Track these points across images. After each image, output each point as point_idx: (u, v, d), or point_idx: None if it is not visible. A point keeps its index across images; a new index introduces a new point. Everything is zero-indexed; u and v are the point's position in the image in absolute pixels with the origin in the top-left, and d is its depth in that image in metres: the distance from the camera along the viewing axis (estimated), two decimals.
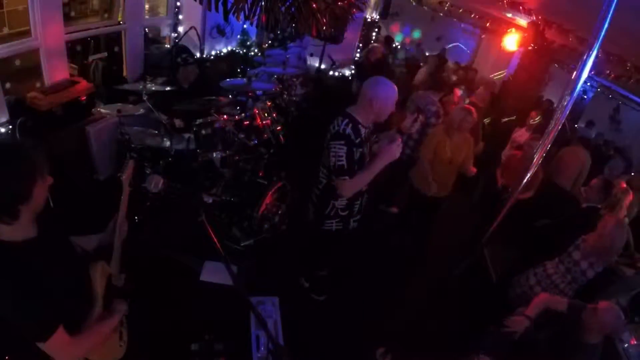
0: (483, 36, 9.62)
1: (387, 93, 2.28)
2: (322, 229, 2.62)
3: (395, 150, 2.25)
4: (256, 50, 6.13)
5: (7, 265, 1.17)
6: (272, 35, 6.12)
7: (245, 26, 6.20)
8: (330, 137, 2.29)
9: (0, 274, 1.16)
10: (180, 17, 5.03)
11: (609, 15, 1.54)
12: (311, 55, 6.67)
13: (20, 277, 1.17)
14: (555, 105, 6.66)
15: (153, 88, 3.23)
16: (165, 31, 5.13)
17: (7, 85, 3.27)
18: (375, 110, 2.30)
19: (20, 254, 1.20)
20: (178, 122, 3.58)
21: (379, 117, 2.36)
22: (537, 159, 2.68)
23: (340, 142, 2.23)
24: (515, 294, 2.92)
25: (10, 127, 3.15)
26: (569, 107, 2.39)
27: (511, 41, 5.73)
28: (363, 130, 2.35)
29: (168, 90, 3.42)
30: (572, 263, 2.72)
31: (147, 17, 4.68)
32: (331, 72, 6.65)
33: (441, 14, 8.23)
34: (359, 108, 2.35)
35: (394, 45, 9.30)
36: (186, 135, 3.39)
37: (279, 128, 3.58)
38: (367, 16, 7.85)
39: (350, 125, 2.28)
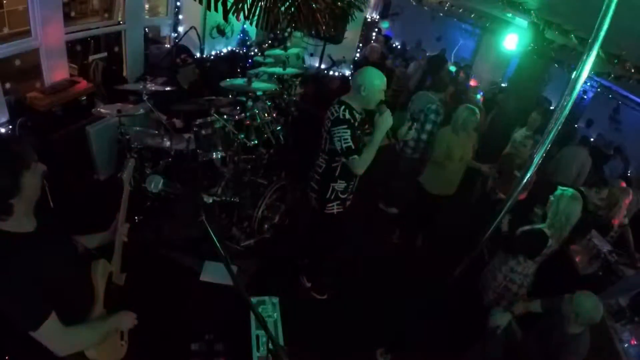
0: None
1: (373, 79, 2.47)
2: (325, 213, 2.76)
3: (388, 119, 2.41)
4: (256, 50, 6.13)
5: (2, 254, 1.17)
6: (272, 35, 6.12)
7: (245, 26, 6.20)
8: (332, 123, 2.46)
9: None
10: (180, 17, 5.03)
11: (609, 15, 1.54)
12: (311, 55, 6.67)
13: (11, 264, 1.17)
14: (555, 106, 6.67)
15: (153, 88, 3.23)
16: (165, 31, 5.12)
17: (7, 85, 3.27)
18: (364, 95, 2.47)
19: (15, 243, 1.20)
20: (178, 123, 3.58)
21: (368, 103, 2.52)
22: (537, 159, 2.67)
23: (343, 127, 2.41)
24: (489, 298, 2.96)
25: (10, 127, 3.15)
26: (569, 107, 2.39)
27: (511, 41, 5.73)
28: (357, 115, 2.54)
29: (168, 90, 3.42)
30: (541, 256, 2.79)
31: (147, 17, 4.68)
32: (331, 72, 6.65)
33: (441, 14, 8.24)
34: (351, 96, 2.55)
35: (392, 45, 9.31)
36: (186, 135, 3.39)
37: (278, 128, 3.58)
38: (367, 16, 7.85)
39: (347, 110, 2.47)
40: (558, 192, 2.72)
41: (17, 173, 1.18)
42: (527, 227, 2.80)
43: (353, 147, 2.40)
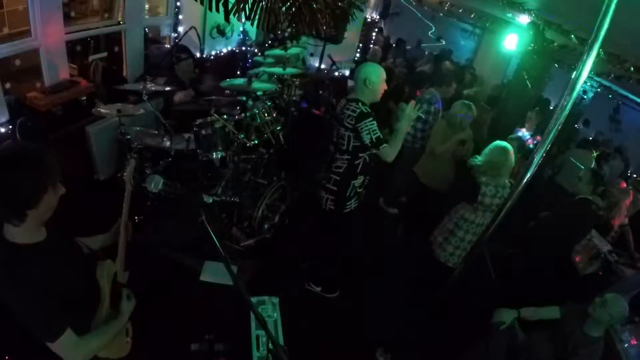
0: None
1: (376, 72, 2.59)
2: (344, 212, 2.81)
3: (411, 111, 2.56)
4: (256, 50, 6.12)
5: (18, 267, 1.18)
6: (272, 35, 6.11)
7: (244, 26, 6.20)
8: (356, 120, 2.52)
9: (12, 275, 1.17)
10: (180, 17, 5.03)
11: (609, 15, 1.54)
12: (311, 55, 6.66)
13: (30, 278, 1.18)
14: (555, 105, 6.66)
15: (153, 88, 3.23)
16: (165, 31, 5.12)
17: (7, 85, 3.26)
18: (370, 88, 2.59)
19: (31, 256, 1.21)
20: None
21: (375, 96, 2.63)
22: (537, 158, 2.67)
23: (369, 120, 2.51)
24: (448, 252, 3.12)
25: (10, 127, 3.15)
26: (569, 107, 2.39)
27: (511, 41, 5.73)
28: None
29: (168, 90, 3.42)
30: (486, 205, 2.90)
31: (147, 17, 4.67)
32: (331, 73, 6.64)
33: (441, 14, 8.23)
34: (357, 91, 2.63)
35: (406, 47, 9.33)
36: (186, 135, 3.39)
37: (278, 128, 3.57)
38: (367, 16, 7.85)
39: (364, 105, 2.55)
40: (492, 144, 2.93)
41: (43, 189, 1.18)
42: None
43: (381, 136, 2.52)
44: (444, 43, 9.68)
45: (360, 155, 2.64)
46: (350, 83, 6.12)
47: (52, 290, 1.20)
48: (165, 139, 3.33)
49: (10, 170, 1.13)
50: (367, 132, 2.50)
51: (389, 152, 2.55)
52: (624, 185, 3.92)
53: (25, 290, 1.16)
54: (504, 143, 2.92)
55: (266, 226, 3.37)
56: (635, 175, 6.23)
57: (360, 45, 7.57)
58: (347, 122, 2.56)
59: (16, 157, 1.16)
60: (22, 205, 1.16)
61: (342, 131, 2.61)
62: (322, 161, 2.90)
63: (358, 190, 2.79)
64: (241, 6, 2.56)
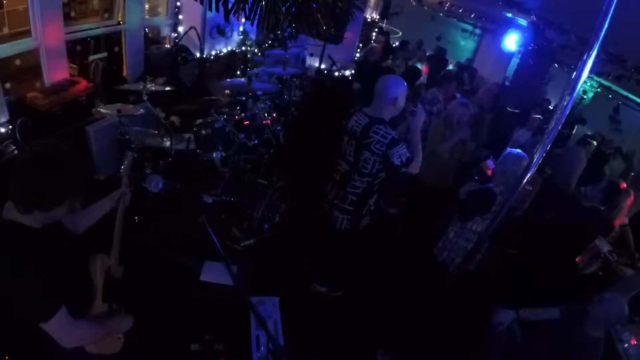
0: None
1: (404, 90, 2.48)
2: (359, 230, 2.78)
3: (421, 116, 2.56)
4: (256, 50, 6.13)
5: (16, 243, 1.21)
6: (272, 35, 6.12)
7: (243, 27, 6.20)
8: (387, 146, 2.43)
9: (9, 250, 1.20)
10: (180, 17, 5.04)
11: (609, 15, 1.54)
12: (311, 55, 6.67)
13: (27, 255, 1.20)
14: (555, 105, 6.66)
15: (153, 88, 3.23)
16: (165, 31, 5.13)
17: (7, 85, 3.27)
18: (398, 108, 2.50)
19: (29, 236, 1.24)
20: (177, 120, 3.59)
21: (397, 113, 2.56)
22: (537, 158, 2.68)
23: (400, 144, 2.45)
24: (456, 264, 3.01)
25: (10, 127, 3.15)
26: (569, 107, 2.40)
27: (511, 41, 5.74)
28: None
29: (168, 90, 3.42)
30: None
31: (147, 17, 4.68)
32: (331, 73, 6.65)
33: (441, 14, 8.25)
34: (381, 109, 2.50)
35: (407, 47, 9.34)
36: (186, 135, 3.39)
37: (279, 128, 3.58)
38: (367, 16, 7.86)
39: (392, 129, 2.47)
40: (505, 153, 2.87)
41: (58, 202, 1.23)
42: (473, 189, 2.90)
43: (410, 155, 2.47)
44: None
45: (380, 175, 2.59)
46: (354, 86, 6.12)
47: (46, 270, 1.22)
48: (165, 139, 3.33)
49: (46, 170, 1.18)
50: (398, 156, 2.44)
51: (417, 164, 2.52)
52: (624, 185, 3.92)
53: (22, 266, 1.19)
54: (516, 151, 2.87)
55: (266, 226, 3.37)
56: (633, 174, 6.23)
57: (360, 45, 7.57)
58: (375, 147, 2.45)
59: (62, 166, 1.21)
60: (34, 204, 1.20)
61: (366, 155, 2.50)
62: (330, 178, 2.84)
63: (371, 208, 2.76)
64: (241, 6, 2.57)
